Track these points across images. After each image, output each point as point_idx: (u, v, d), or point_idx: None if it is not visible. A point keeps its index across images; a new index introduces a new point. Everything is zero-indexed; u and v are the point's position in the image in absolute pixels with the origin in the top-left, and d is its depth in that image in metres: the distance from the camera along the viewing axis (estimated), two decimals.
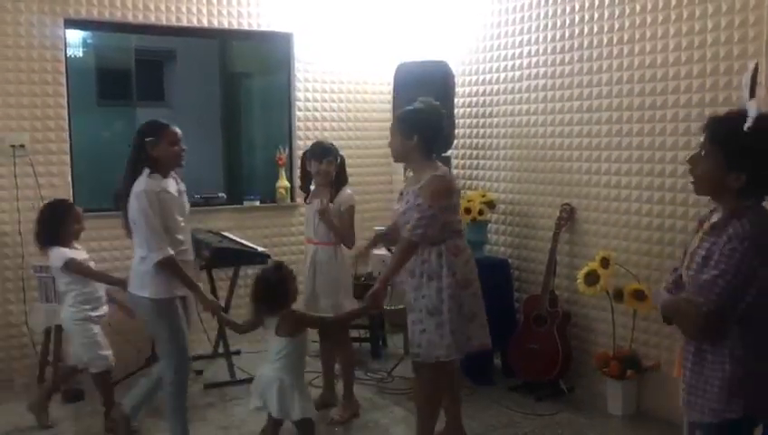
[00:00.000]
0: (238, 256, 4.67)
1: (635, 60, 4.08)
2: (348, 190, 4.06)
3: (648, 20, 3.99)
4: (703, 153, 2.09)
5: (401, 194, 3.47)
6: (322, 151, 4.00)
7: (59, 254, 3.91)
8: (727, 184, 2.03)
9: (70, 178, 4.83)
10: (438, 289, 3.23)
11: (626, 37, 4.13)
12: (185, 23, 5.12)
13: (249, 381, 4.58)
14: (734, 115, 2.05)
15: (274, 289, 3.24)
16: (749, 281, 1.96)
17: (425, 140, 3.32)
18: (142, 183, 3.32)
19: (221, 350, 4.83)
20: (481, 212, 4.73)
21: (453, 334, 3.22)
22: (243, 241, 4.80)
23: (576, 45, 4.45)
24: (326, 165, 3.97)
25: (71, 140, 4.84)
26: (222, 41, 5.86)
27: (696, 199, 3.80)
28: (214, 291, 4.78)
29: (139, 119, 7.05)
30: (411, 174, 3.48)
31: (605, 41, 4.26)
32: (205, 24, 5.19)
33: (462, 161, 5.34)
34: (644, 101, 4.04)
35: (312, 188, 4.12)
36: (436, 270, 3.23)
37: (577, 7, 4.42)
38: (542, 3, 4.68)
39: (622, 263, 4.07)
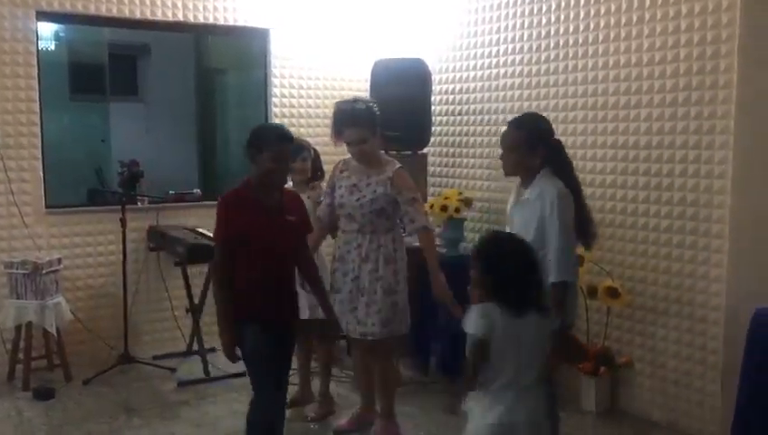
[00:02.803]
0: (213, 253, 4.61)
1: (609, 59, 4.12)
2: (323, 185, 4.05)
3: (623, 20, 4.03)
4: None
5: (354, 185, 3.57)
6: (295, 150, 3.97)
7: None
8: None
9: (41, 174, 4.75)
10: (395, 271, 3.54)
11: (601, 37, 4.17)
12: (159, 16, 5.06)
13: (224, 378, 4.57)
14: None
15: None
16: None
17: (382, 134, 3.61)
18: None
19: (195, 347, 4.79)
20: (458, 210, 4.74)
21: (403, 312, 3.58)
22: None
23: (552, 44, 4.48)
24: (300, 163, 3.98)
25: (42, 134, 4.76)
26: (197, 36, 5.83)
27: (670, 197, 3.85)
28: (188, 287, 4.74)
29: (112, 114, 6.98)
30: (356, 164, 3.62)
31: (580, 40, 4.29)
32: (180, 18, 5.13)
33: (438, 159, 5.35)
34: (618, 100, 4.08)
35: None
36: (392, 254, 3.54)
37: (553, 6, 4.45)
38: (519, 2, 4.70)
39: (596, 260, 4.10)
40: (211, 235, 4.78)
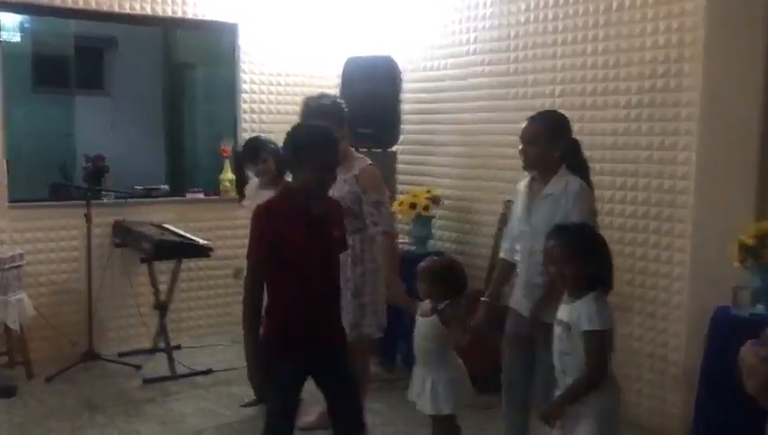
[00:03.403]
0: (180, 249, 4.59)
1: (577, 61, 4.18)
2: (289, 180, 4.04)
3: (590, 23, 4.09)
4: None
5: None
6: (254, 153, 3.96)
7: None
8: None
9: (4, 168, 4.66)
10: (362, 273, 3.49)
11: (569, 39, 4.22)
12: (127, 9, 4.99)
13: (190, 376, 4.54)
14: None
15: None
16: None
17: (350, 131, 3.60)
18: None
19: (161, 344, 4.75)
20: (426, 208, 4.76)
21: (374, 315, 3.52)
22: (185, 234, 4.72)
23: (521, 45, 4.52)
24: (263, 165, 3.95)
25: (5, 127, 4.67)
26: (165, 29, 5.75)
27: (634, 197, 3.91)
28: (154, 284, 4.69)
29: (77, 108, 6.86)
30: None
31: (549, 41, 4.34)
32: (148, 11, 5.07)
33: (408, 157, 5.36)
34: (585, 101, 4.14)
35: (251, 184, 4.10)
36: (360, 255, 3.48)
37: (522, 8, 4.49)
38: (489, 3, 4.74)
39: None
40: (178, 230, 4.78)
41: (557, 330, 2.53)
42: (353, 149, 3.76)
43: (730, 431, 3.11)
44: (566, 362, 2.49)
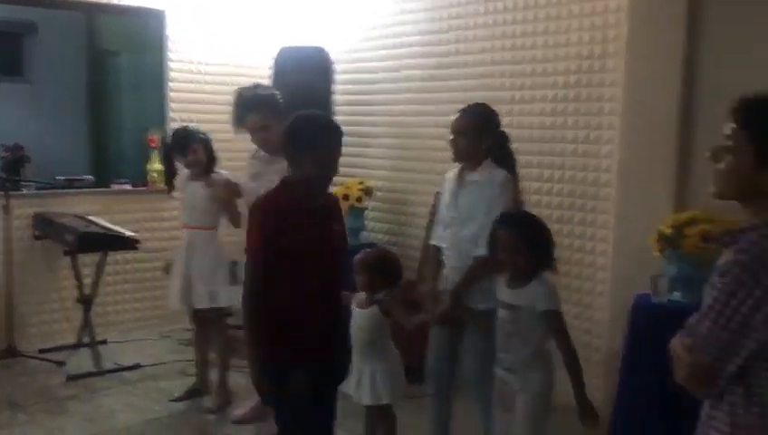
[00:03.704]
0: (106, 241, 4.46)
1: (506, 55, 4.27)
2: (224, 172, 3.98)
3: (519, 18, 4.18)
4: (731, 144, 1.55)
5: (257, 173, 3.54)
6: (183, 144, 3.89)
7: None
8: (761, 184, 1.53)
9: None
10: None
11: (498, 33, 4.30)
12: None
13: (117, 371, 4.42)
14: None
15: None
16: (746, 324, 1.44)
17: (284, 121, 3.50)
18: None
19: (86, 340, 4.61)
20: (359, 199, 4.78)
21: None
22: (110, 226, 4.59)
23: (452, 39, 4.58)
24: (192, 156, 3.88)
25: None
26: (88, 14, 5.56)
27: (560, 189, 4.03)
28: (78, 278, 4.54)
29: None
30: (263, 154, 3.60)
31: (479, 35, 4.42)
32: None
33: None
34: (514, 95, 4.23)
35: (180, 176, 4.02)
36: None
37: (455, 1, 4.55)
38: None
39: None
40: (103, 222, 4.64)
41: (502, 313, 2.62)
42: None
43: (649, 413, 3.26)
44: (513, 343, 2.59)
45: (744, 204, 1.55)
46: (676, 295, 3.33)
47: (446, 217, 3.11)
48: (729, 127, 1.54)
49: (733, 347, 1.45)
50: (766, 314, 1.41)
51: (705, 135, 3.43)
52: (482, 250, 2.85)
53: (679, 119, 3.47)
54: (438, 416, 3.22)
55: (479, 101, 3.21)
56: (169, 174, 4.09)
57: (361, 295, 3.11)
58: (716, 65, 3.38)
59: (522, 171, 4.14)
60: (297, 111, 2.62)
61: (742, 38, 3.30)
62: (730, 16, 3.34)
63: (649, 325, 3.31)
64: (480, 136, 3.01)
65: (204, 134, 3.96)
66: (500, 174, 2.98)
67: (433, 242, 3.25)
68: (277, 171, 3.43)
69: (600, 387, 3.84)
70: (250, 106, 3.45)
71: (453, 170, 3.15)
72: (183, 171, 4.01)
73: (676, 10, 3.47)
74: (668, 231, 3.29)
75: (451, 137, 3.07)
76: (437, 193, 4.34)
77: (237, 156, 4.44)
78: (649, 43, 3.58)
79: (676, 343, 1.56)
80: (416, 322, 3.00)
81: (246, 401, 3.91)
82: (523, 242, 2.58)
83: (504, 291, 2.64)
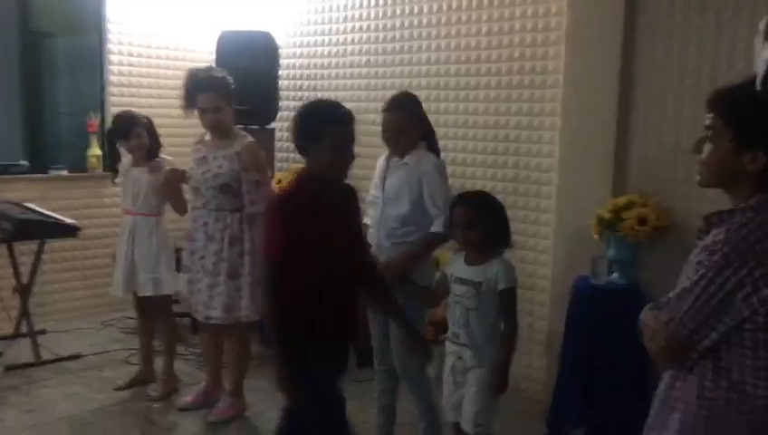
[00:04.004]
0: (44, 229, 4.34)
1: (451, 41, 4.32)
2: (168, 158, 3.92)
3: (464, 4, 4.23)
4: (710, 133, 1.60)
5: (203, 158, 3.50)
6: (126, 128, 3.81)
7: None
8: (741, 169, 1.56)
9: None
10: (240, 253, 3.43)
11: (443, 19, 4.35)
12: None
13: (56, 361, 4.33)
14: (745, 82, 1.59)
15: None
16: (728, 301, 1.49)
17: (236, 106, 3.54)
18: None
19: (24, 329, 4.48)
20: None
21: (251, 297, 3.42)
22: (49, 213, 4.46)
23: (398, 25, 4.60)
24: (136, 140, 3.81)
25: None
26: None
27: (504, 174, 4.11)
28: (15, 266, 4.40)
29: None
30: (209, 138, 3.56)
31: (424, 22, 4.45)
32: None
33: (286, 134, 5.33)
34: (459, 81, 4.29)
35: (123, 162, 3.94)
36: (239, 235, 3.43)
37: None
38: None
39: None
40: (41, 209, 4.50)
41: (459, 289, 2.69)
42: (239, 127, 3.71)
43: (589, 391, 3.38)
44: (471, 317, 2.66)
45: (727, 189, 1.61)
46: (614, 277, 3.45)
47: (371, 198, 3.19)
48: (707, 117, 1.60)
49: (712, 322, 1.51)
50: (746, 293, 1.47)
51: (643, 121, 3.56)
52: (437, 227, 2.96)
53: (617, 106, 3.58)
54: (383, 386, 3.28)
55: (403, 91, 3.31)
56: (112, 160, 4.00)
57: None
58: (654, 52, 3.49)
59: (466, 157, 4.25)
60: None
61: (678, 24, 3.42)
62: (666, 4, 3.45)
63: (588, 306, 3.42)
64: (415, 127, 3.08)
65: (146, 118, 3.89)
66: (432, 157, 3.08)
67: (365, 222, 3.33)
68: (224, 157, 3.43)
69: (543, 367, 3.97)
70: (202, 87, 3.41)
71: (384, 155, 3.25)
72: (126, 157, 3.93)
73: None
74: (607, 215, 3.41)
75: (387, 134, 3.10)
76: None
77: (180, 141, 4.38)
78: (589, 33, 3.67)
79: (649, 318, 1.62)
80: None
81: (193, 387, 3.89)
82: (478, 218, 2.66)
83: (461, 267, 2.71)
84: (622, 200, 3.43)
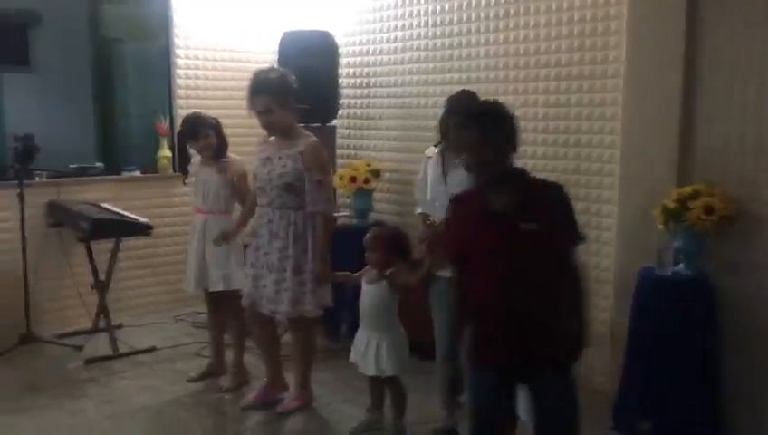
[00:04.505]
0: (119, 227, 4.54)
1: (510, 35, 4.30)
2: (234, 157, 4.05)
3: None
4: None
5: (268, 158, 3.56)
6: (194, 130, 3.96)
7: None
8: None
9: None
10: (304, 250, 3.50)
11: (500, 12, 4.34)
12: None
13: (132, 354, 4.52)
14: None
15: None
16: None
17: (296, 106, 3.59)
18: None
19: (102, 324, 4.70)
20: (366, 181, 4.84)
21: (314, 292, 3.52)
22: (124, 212, 4.67)
23: (455, 19, 4.62)
24: (204, 139, 3.95)
25: None
26: (91, 3, 5.60)
27: (565, 166, 4.08)
28: (93, 264, 4.62)
29: (5, 85, 6.61)
30: (273, 139, 3.62)
31: (481, 15, 4.45)
32: None
33: (347, 131, 5.42)
34: (518, 74, 4.27)
35: (193, 162, 4.09)
36: (302, 233, 3.49)
37: None
38: None
39: None
40: (116, 209, 4.71)
41: None
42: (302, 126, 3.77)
43: (655, 384, 3.34)
44: None
45: None
46: (680, 267, 3.39)
47: (433, 191, 3.23)
48: None
49: None
50: None
51: (708, 109, 3.48)
52: None
53: (682, 93, 3.51)
54: (446, 379, 3.33)
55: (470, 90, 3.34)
56: (182, 160, 4.16)
57: (372, 272, 3.24)
58: (717, 38, 3.41)
59: (526, 149, 4.23)
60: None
61: (744, 9, 3.33)
62: None
63: (654, 297, 3.38)
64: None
65: (214, 119, 4.03)
66: None
67: (419, 211, 3.38)
68: (288, 156, 3.50)
69: (607, 358, 3.93)
70: (255, 90, 3.50)
71: (432, 148, 3.28)
72: (196, 157, 4.08)
73: None
74: (672, 204, 3.35)
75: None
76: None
77: (247, 141, 4.50)
78: (651, 19, 3.61)
79: None
80: (416, 278, 3.16)
81: (259, 381, 3.98)
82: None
83: None
84: (688, 190, 3.37)
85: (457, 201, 2.50)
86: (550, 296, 2.35)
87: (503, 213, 2.36)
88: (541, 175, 4.08)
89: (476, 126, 2.39)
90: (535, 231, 2.31)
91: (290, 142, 3.54)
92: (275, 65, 4.86)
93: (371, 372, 3.27)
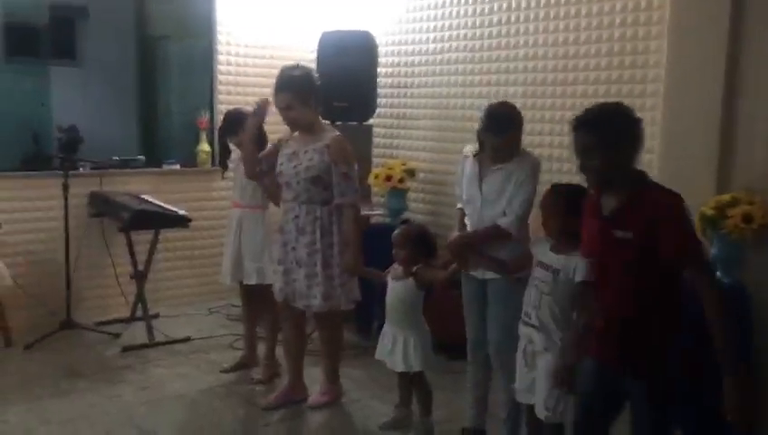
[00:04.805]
0: (159, 219, 4.65)
1: (549, 37, 4.29)
2: None
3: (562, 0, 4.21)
4: None
5: (293, 153, 3.58)
6: (235, 124, 4.05)
7: None
8: None
9: None
10: (330, 244, 3.53)
11: (541, 15, 4.33)
12: None
13: (168, 344, 4.62)
14: None
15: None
16: None
17: (319, 102, 3.64)
18: None
19: (139, 313, 4.81)
20: (401, 180, 4.87)
21: (343, 286, 3.56)
22: (164, 204, 4.77)
23: (495, 21, 4.62)
24: (244, 134, 4.00)
25: None
26: (138, 0, 5.73)
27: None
28: (132, 254, 4.73)
29: (52, 77, 6.79)
30: (297, 134, 3.65)
31: (522, 17, 4.45)
32: None
33: (384, 130, 5.46)
34: (556, 76, 4.26)
35: (234, 156, 4.17)
36: (329, 227, 3.52)
37: None
38: None
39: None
40: (156, 201, 4.82)
41: (540, 273, 2.74)
42: (327, 121, 3.82)
43: (689, 392, 3.30)
44: (544, 301, 2.70)
45: None
46: (718, 275, 3.35)
47: (466, 194, 3.24)
48: None
49: None
50: None
51: (748, 117, 3.44)
52: (505, 221, 3.06)
53: (722, 101, 3.47)
54: (475, 378, 3.34)
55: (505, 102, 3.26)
56: (223, 155, 4.24)
57: (398, 268, 3.29)
58: (761, 47, 3.37)
59: (563, 153, 4.23)
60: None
61: None
62: None
63: (691, 305, 3.34)
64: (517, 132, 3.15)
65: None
66: (531, 159, 3.16)
67: (459, 206, 3.38)
68: (314, 150, 3.53)
69: None
70: (277, 86, 3.56)
71: (470, 147, 3.28)
72: (236, 152, 4.16)
73: None
74: (711, 212, 3.32)
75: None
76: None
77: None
78: (692, 26, 3.57)
79: None
80: (444, 275, 3.19)
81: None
82: (562, 206, 2.70)
83: (547, 253, 2.75)
84: (726, 197, 3.33)
85: (588, 199, 2.52)
86: (638, 308, 2.31)
87: (607, 217, 2.36)
88: (576, 179, 4.10)
89: (588, 130, 2.38)
90: (630, 240, 2.26)
91: (315, 137, 3.57)
92: (315, 64, 4.93)
93: (400, 367, 3.30)
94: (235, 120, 4.05)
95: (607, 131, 2.33)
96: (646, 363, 2.35)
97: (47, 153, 5.15)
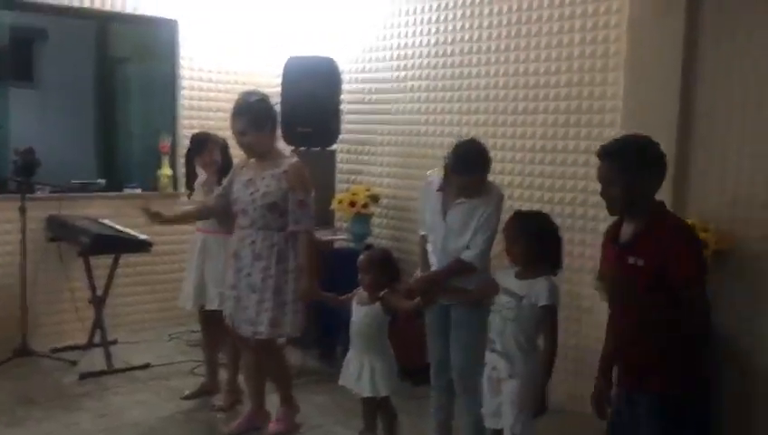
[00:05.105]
0: (119, 244, 4.59)
1: (510, 67, 4.40)
2: None
3: (523, 31, 4.31)
4: None
5: (250, 180, 3.57)
6: (200, 144, 4.10)
7: None
8: None
9: None
10: (284, 270, 3.52)
11: (502, 46, 4.44)
12: (64, 1, 4.94)
13: (127, 370, 4.54)
14: None
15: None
16: None
17: (275, 128, 3.66)
18: None
19: (97, 340, 4.72)
20: (365, 205, 4.90)
21: (294, 314, 3.55)
22: (123, 229, 4.71)
23: (457, 50, 4.72)
24: (208, 154, 4.07)
25: None
26: (100, 23, 5.70)
27: (562, 197, 4.15)
28: (91, 279, 4.65)
29: (10, 99, 6.68)
30: (253, 161, 3.65)
31: (483, 48, 4.55)
32: (81, 3, 5.04)
33: (347, 156, 5.49)
34: (517, 105, 4.36)
35: (199, 179, 4.16)
36: (285, 254, 3.52)
37: (458, 15, 4.69)
38: (427, 8, 4.91)
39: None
40: (115, 225, 4.75)
41: (503, 299, 2.80)
42: (291, 147, 3.83)
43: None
44: (509, 327, 2.78)
45: None
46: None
47: (432, 224, 3.29)
48: None
49: None
50: None
51: (702, 147, 3.57)
52: (469, 254, 3.13)
53: (677, 131, 3.59)
54: (439, 403, 3.38)
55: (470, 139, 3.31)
56: (189, 177, 4.24)
57: (364, 293, 3.30)
58: (715, 78, 3.51)
59: (523, 180, 4.32)
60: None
61: (740, 48, 3.43)
62: (728, 31, 3.47)
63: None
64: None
65: (223, 139, 4.13)
66: (496, 193, 3.24)
67: (423, 232, 3.42)
68: (271, 176, 3.53)
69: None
70: (235, 111, 3.58)
71: (435, 174, 3.33)
72: (203, 175, 4.15)
73: (675, 25, 3.59)
74: None
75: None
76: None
77: None
78: (648, 59, 3.71)
79: None
80: (410, 305, 3.20)
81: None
82: (523, 233, 2.79)
83: (510, 280, 2.82)
84: None
85: (609, 227, 2.60)
86: (647, 333, 2.38)
87: (623, 244, 2.45)
88: (537, 206, 4.19)
89: (611, 160, 2.48)
90: (641, 267, 2.35)
91: (272, 163, 3.57)
92: (279, 89, 4.95)
93: (367, 393, 3.30)
94: (200, 140, 4.08)
95: (628, 162, 2.42)
96: (658, 379, 2.39)
97: (3, 176, 5.06)
